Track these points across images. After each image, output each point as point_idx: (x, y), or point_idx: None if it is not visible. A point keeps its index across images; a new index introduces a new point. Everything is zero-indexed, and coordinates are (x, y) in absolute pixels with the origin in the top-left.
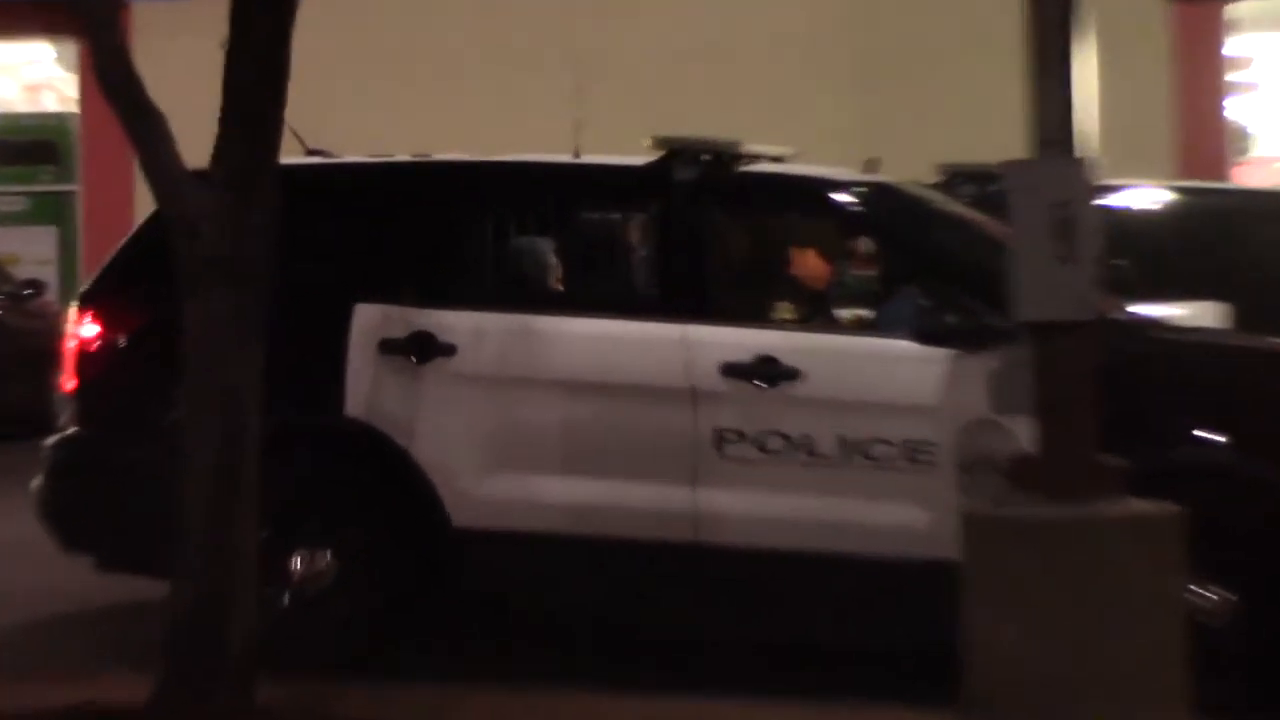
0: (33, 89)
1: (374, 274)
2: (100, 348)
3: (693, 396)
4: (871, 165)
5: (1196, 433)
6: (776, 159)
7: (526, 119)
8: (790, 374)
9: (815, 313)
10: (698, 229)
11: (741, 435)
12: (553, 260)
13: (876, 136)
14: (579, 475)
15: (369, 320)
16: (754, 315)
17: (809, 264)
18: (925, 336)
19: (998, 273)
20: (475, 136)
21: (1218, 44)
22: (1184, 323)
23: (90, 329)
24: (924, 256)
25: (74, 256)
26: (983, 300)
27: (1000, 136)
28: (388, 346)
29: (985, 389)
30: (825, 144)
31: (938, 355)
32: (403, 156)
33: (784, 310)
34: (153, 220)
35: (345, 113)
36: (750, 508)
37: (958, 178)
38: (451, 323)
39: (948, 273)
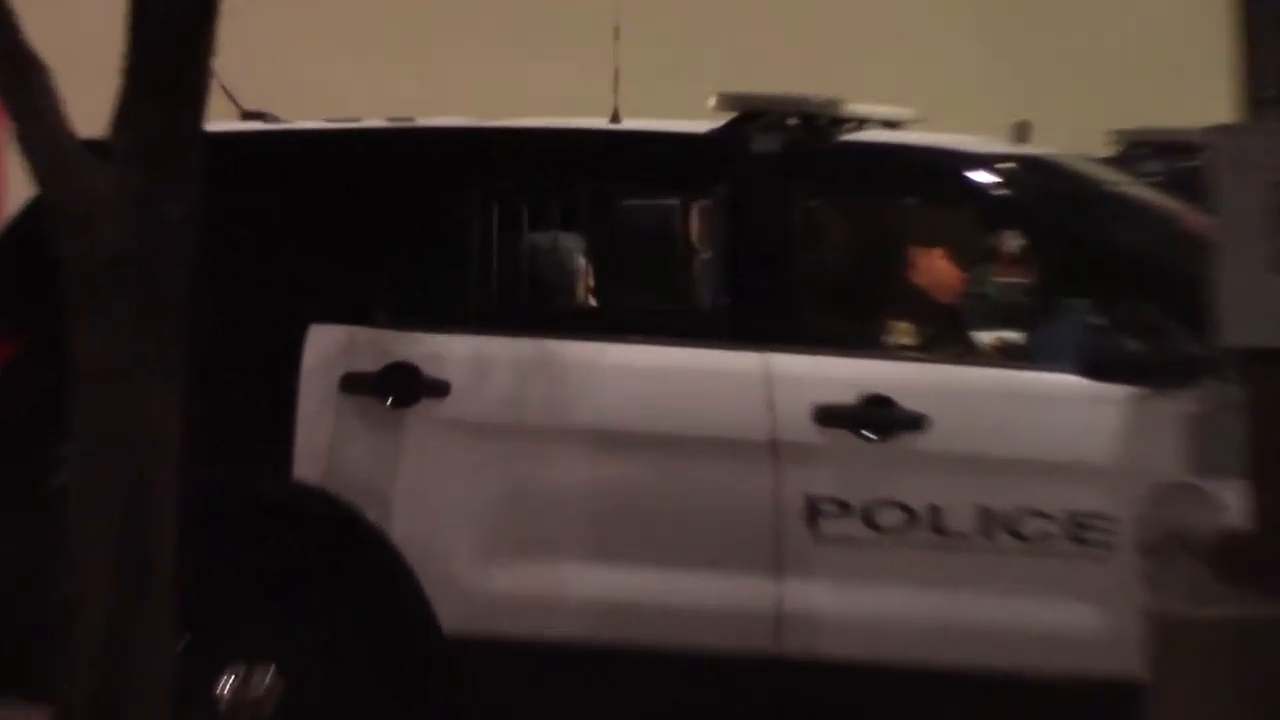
0: None
1: (335, 282)
2: None
3: (775, 452)
4: (1021, 132)
5: None
6: (892, 124)
7: (545, 69)
8: (912, 421)
9: (945, 336)
10: (783, 221)
11: (843, 506)
12: (582, 264)
13: (1034, 94)
14: (618, 563)
15: (328, 347)
16: (861, 340)
17: (937, 269)
18: (1097, 369)
19: (1196, 281)
20: (478, 94)
21: None
22: None
23: None
24: (1095, 259)
25: None
26: (1177, 319)
27: (1196, 94)
28: (354, 384)
29: (1179, 441)
30: (965, 103)
31: (1114, 395)
32: (376, 121)
33: (902, 333)
34: (30, 209)
35: (302, 62)
36: (854, 607)
37: (1140, 150)
38: (443, 351)
39: (1127, 281)
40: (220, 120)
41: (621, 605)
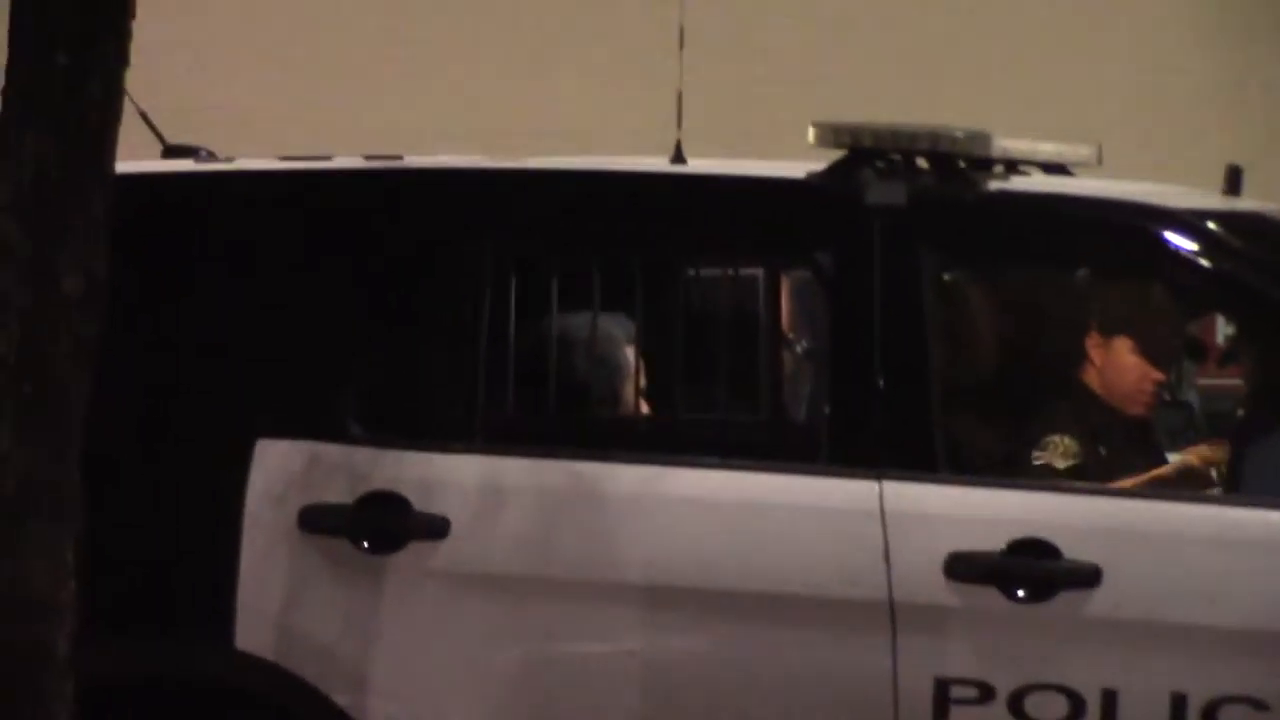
0: None
1: (292, 380)
2: None
3: (893, 618)
4: (1234, 180)
5: None
6: (1058, 168)
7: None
8: (1081, 575)
9: (1127, 457)
10: (909, 300)
11: (985, 691)
12: (632, 358)
13: (1252, 128)
14: None
15: (282, 469)
16: (1013, 465)
17: (1120, 367)
18: None
19: None
20: (488, 122)
21: None
22: None
23: None
24: None
25: None
26: None
27: None
28: (317, 520)
29: None
30: (1158, 140)
31: None
32: (349, 159)
33: (1070, 455)
34: None
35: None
36: None
37: None
38: (440, 476)
39: None
40: (136, 160)
41: None
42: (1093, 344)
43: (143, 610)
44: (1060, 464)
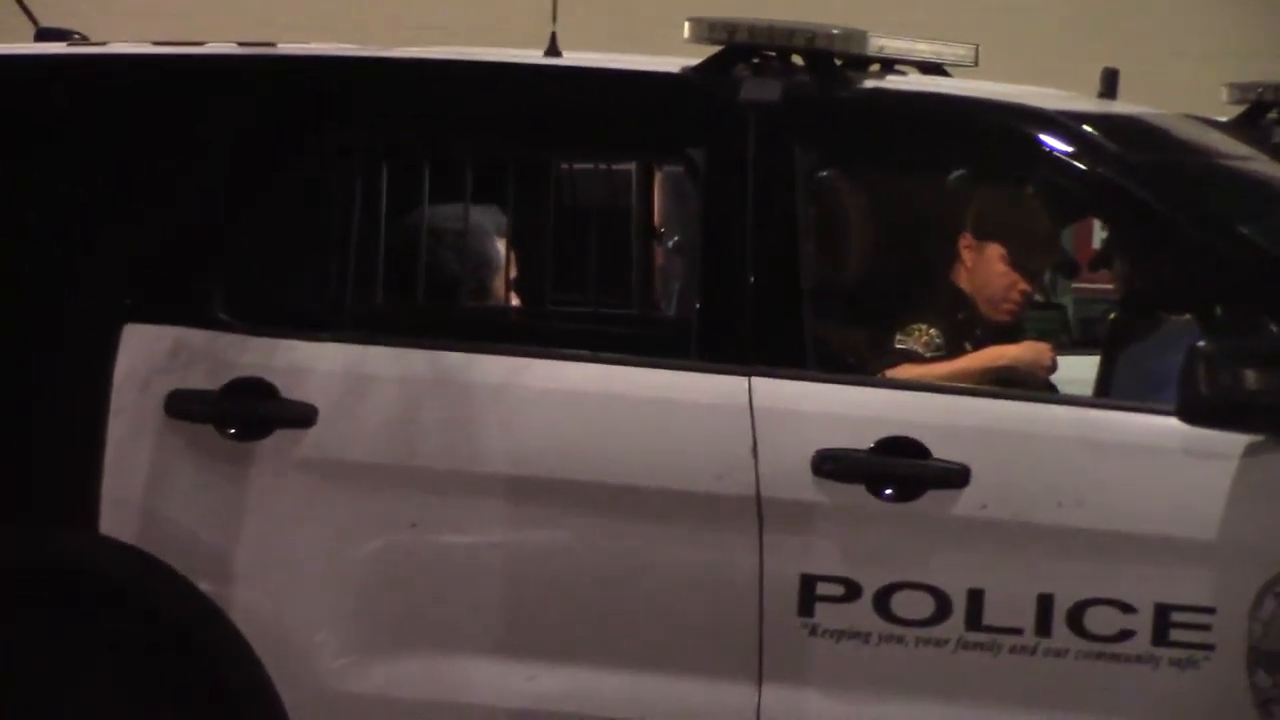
0: None
1: (159, 265)
2: None
3: (759, 513)
4: (1110, 82)
5: None
6: (934, 68)
7: None
8: (949, 476)
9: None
10: (781, 198)
11: (851, 589)
12: (502, 250)
13: (1125, 31)
14: (538, 660)
15: (148, 355)
16: (880, 362)
17: (988, 268)
18: (1203, 410)
19: None
20: (366, 14)
21: None
22: None
23: None
24: (1207, 261)
25: None
26: None
27: None
28: (184, 406)
29: None
30: (1033, 41)
31: (1225, 447)
32: (220, 46)
33: (930, 342)
34: None
35: None
36: None
37: (1269, 110)
38: (308, 363)
39: (1249, 293)
40: (5, 43)
41: (541, 717)
42: (965, 245)
43: (6, 496)
44: (923, 351)
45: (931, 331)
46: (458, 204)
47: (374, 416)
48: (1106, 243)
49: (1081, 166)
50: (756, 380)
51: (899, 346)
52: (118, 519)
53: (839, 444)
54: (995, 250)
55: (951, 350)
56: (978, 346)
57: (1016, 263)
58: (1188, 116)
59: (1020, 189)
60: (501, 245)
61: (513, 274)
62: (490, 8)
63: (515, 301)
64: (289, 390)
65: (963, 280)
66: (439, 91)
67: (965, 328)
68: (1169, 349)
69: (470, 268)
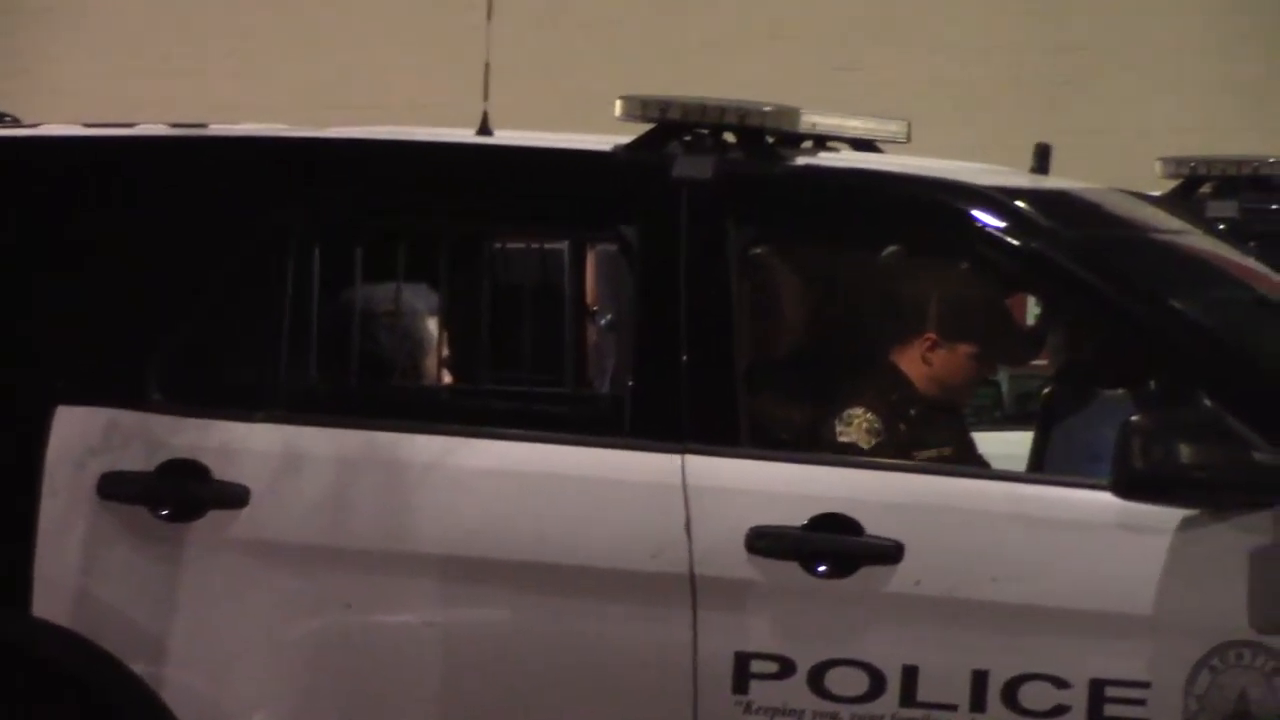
0: None
1: (93, 347)
2: None
3: (693, 591)
4: (1042, 158)
5: None
6: (867, 144)
7: (379, 61)
8: (881, 551)
9: (933, 438)
10: (713, 275)
11: (786, 666)
12: (434, 330)
13: (1059, 108)
14: None
15: (81, 436)
16: (815, 441)
17: (956, 364)
18: (1136, 485)
19: (1277, 366)
20: (300, 95)
21: None
22: None
23: None
24: (1139, 336)
25: None
26: (1247, 419)
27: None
28: (117, 487)
29: (1247, 585)
30: (963, 118)
31: (1157, 520)
32: (153, 127)
33: (871, 429)
34: None
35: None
36: None
37: (1202, 184)
38: (240, 444)
39: (1182, 367)
40: None
41: None
42: (928, 342)
43: None
44: (864, 443)
45: (869, 417)
46: (391, 283)
47: (307, 497)
48: (1040, 318)
49: (1014, 242)
50: (690, 458)
51: (841, 440)
52: (51, 601)
53: (773, 521)
54: (966, 350)
55: (890, 432)
56: (912, 426)
57: (990, 360)
58: (1121, 191)
59: (987, 288)
60: (434, 324)
61: (446, 353)
62: (423, 87)
63: (449, 380)
64: (221, 471)
65: (914, 371)
66: (372, 171)
67: (901, 407)
68: (1103, 423)
69: (403, 347)
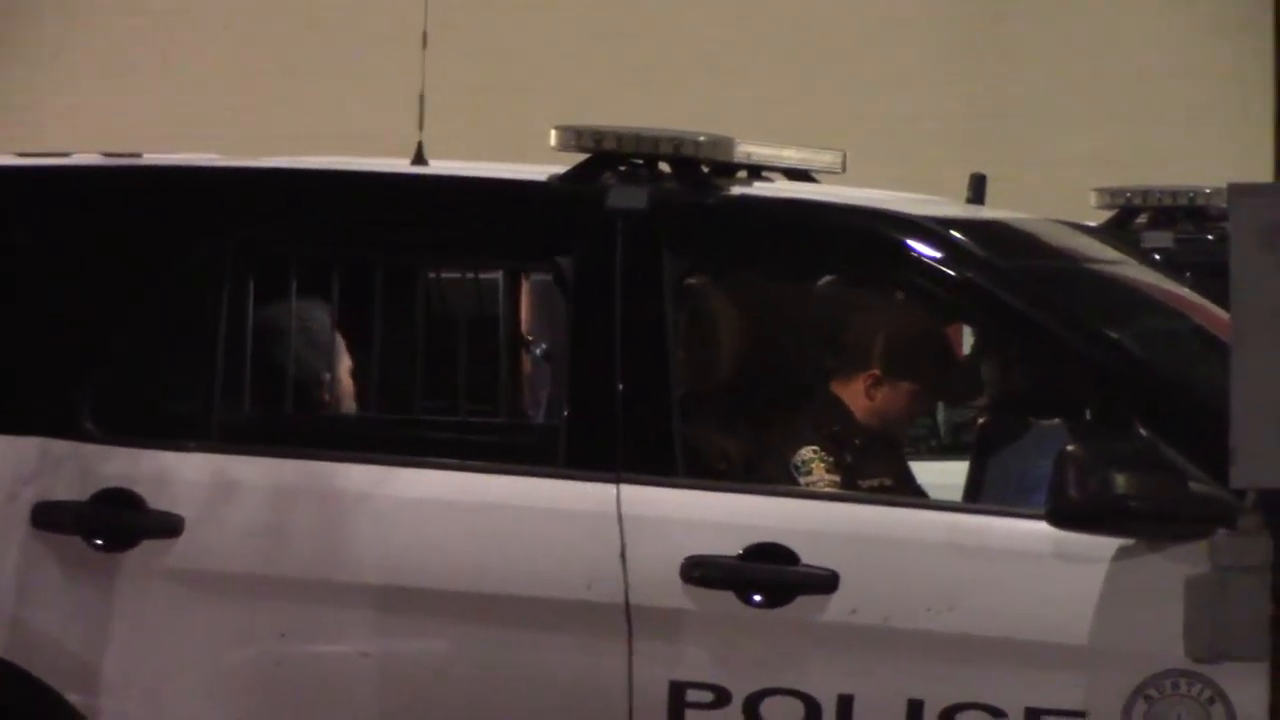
0: None
1: (25, 376)
2: None
3: (628, 620)
4: (978, 188)
5: None
6: (802, 174)
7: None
8: (817, 580)
9: (867, 468)
10: (648, 305)
11: (721, 696)
12: (370, 359)
13: (995, 137)
14: None
15: (13, 465)
16: (750, 470)
17: (899, 401)
18: (1070, 515)
19: (1208, 397)
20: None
21: None
22: None
23: None
24: (1073, 365)
25: None
26: (1183, 449)
27: (1212, 142)
28: (49, 517)
29: (1182, 614)
30: (900, 148)
31: (1093, 550)
32: (86, 157)
33: (830, 468)
34: None
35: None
36: None
37: (1137, 215)
38: (172, 472)
39: (1116, 396)
40: None
41: None
42: (870, 379)
43: None
44: (830, 486)
45: (823, 455)
46: (325, 312)
47: (240, 526)
48: (975, 347)
49: (949, 271)
50: (625, 487)
51: (805, 486)
52: None
53: (708, 550)
54: (909, 388)
55: (839, 465)
56: (855, 456)
57: (932, 397)
58: (1056, 221)
59: (931, 325)
60: (371, 354)
61: (380, 382)
62: (358, 117)
63: (383, 410)
64: (155, 500)
65: (855, 401)
66: (306, 201)
67: (844, 438)
68: (1038, 453)
69: (336, 376)
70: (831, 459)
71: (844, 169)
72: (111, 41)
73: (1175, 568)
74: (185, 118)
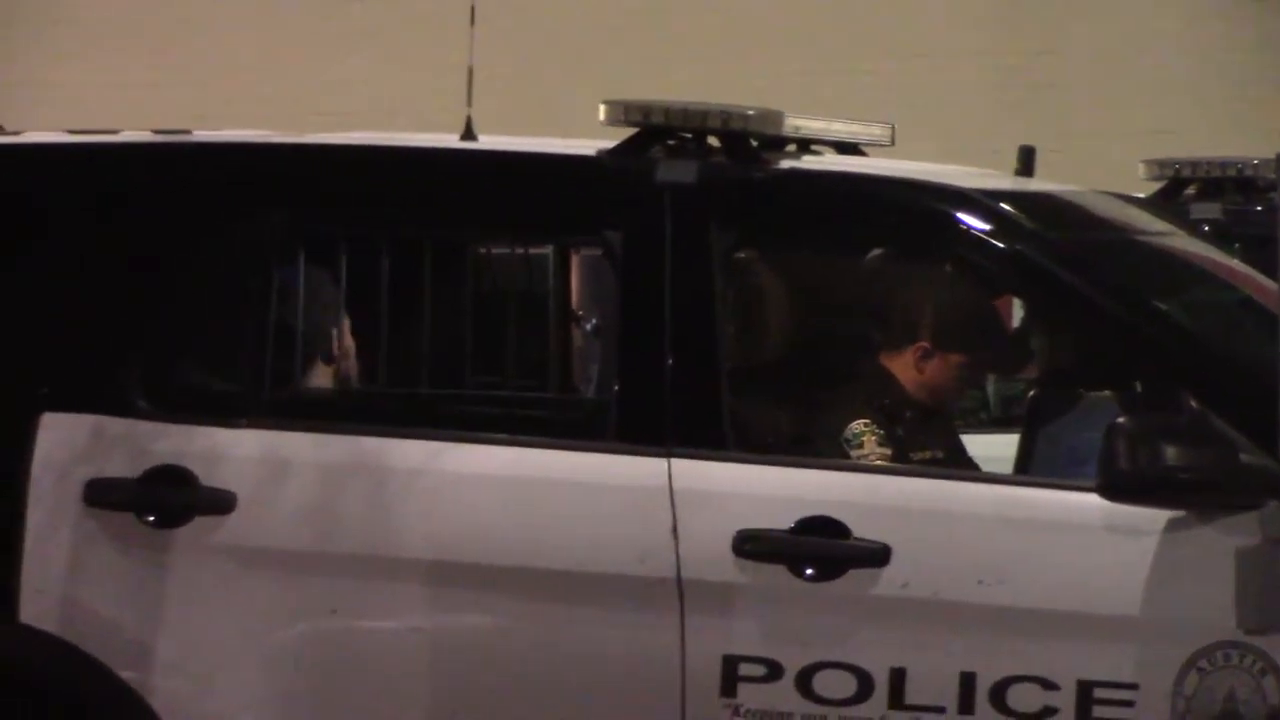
0: None
1: (76, 354)
2: None
3: (680, 595)
4: (1027, 161)
5: None
6: (852, 148)
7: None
8: (868, 554)
9: (920, 441)
10: (698, 279)
11: (774, 669)
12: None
13: (1042, 112)
14: None
15: (66, 443)
16: (801, 444)
17: (948, 373)
18: (1121, 487)
19: (1259, 369)
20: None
21: None
22: None
23: None
24: (1124, 339)
25: None
26: (1233, 420)
27: (1261, 115)
28: (102, 494)
29: (1233, 586)
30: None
31: (1144, 522)
32: (136, 134)
33: (882, 441)
34: None
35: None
36: None
37: (1186, 186)
38: (225, 449)
39: (1166, 369)
40: None
41: None
42: (919, 350)
43: None
44: (881, 458)
45: (874, 429)
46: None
47: (292, 502)
48: (1025, 320)
49: (999, 244)
50: (676, 461)
51: (856, 459)
52: (38, 609)
53: (759, 524)
54: (958, 360)
55: (890, 438)
56: (907, 429)
57: (982, 369)
58: (1105, 193)
59: (980, 297)
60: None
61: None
62: (406, 93)
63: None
64: (207, 477)
65: (905, 375)
66: (357, 177)
67: (895, 411)
68: (1089, 426)
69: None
70: (882, 432)
71: (893, 142)
72: (149, 19)
73: (1226, 539)
74: (224, 94)
